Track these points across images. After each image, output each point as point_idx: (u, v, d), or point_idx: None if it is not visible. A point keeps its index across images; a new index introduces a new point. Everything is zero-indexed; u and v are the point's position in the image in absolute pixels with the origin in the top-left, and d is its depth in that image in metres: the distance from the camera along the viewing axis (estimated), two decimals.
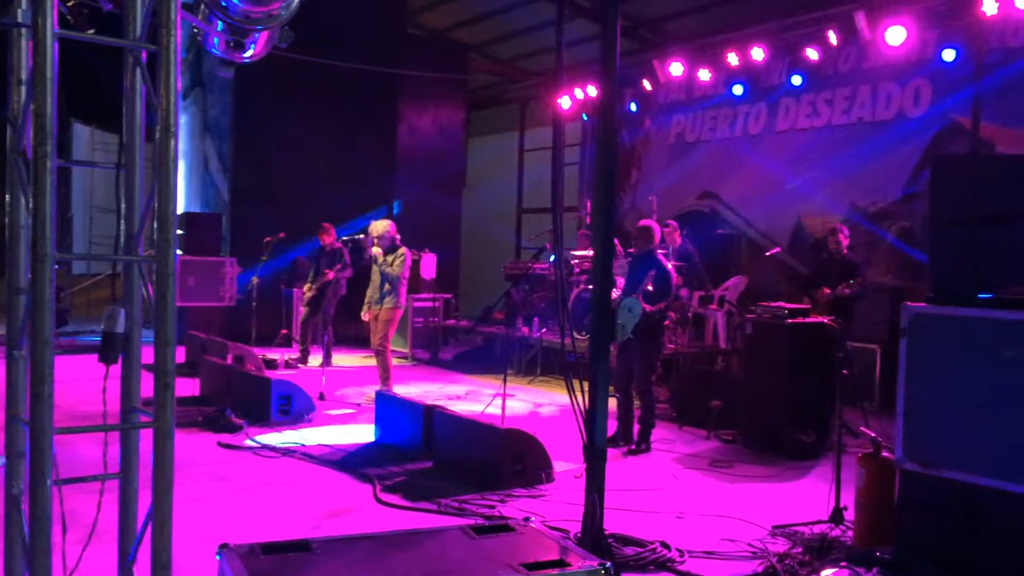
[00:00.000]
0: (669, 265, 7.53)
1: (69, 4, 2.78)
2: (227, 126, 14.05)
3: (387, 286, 8.91)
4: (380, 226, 9.09)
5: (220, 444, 7.02)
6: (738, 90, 12.02)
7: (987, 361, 4.36)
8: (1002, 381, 4.29)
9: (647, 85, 13.20)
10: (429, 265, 12.63)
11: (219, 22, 2.61)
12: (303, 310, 11.60)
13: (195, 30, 2.77)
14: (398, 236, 9.08)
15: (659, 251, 7.71)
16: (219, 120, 14.25)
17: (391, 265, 8.90)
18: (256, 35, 2.72)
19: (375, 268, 9.01)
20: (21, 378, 2.39)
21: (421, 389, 9.89)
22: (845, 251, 8.59)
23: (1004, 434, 4.25)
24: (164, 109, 2.24)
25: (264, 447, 6.96)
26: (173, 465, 2.31)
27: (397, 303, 8.98)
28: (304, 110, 13.59)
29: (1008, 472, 4.19)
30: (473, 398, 9.38)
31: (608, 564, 2.83)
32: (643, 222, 7.65)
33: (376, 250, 9.02)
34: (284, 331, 12.84)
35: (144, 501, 2.56)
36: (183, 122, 14.00)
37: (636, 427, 7.31)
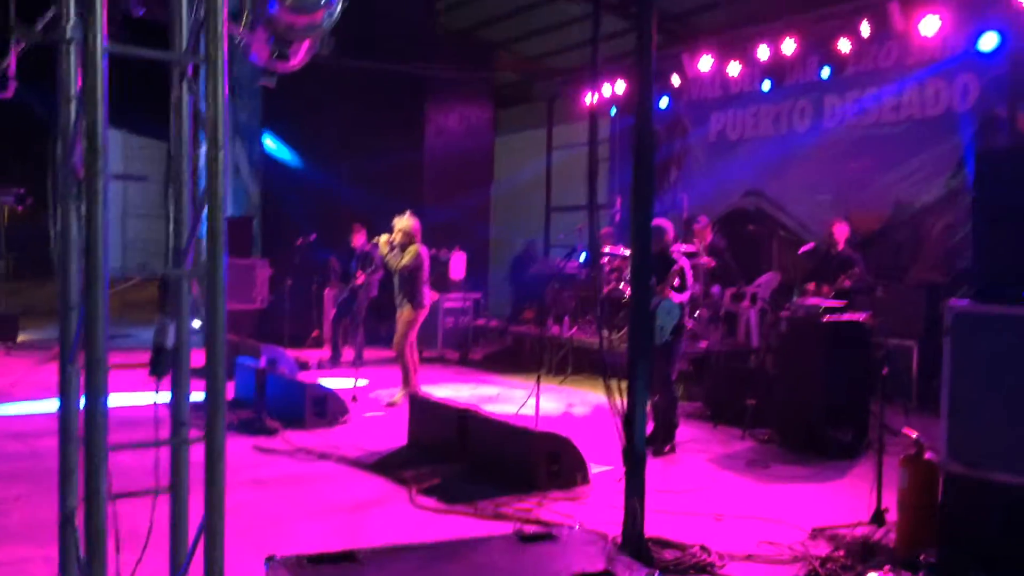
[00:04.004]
0: (685, 260, 7.49)
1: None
2: (257, 129, 14.14)
3: (405, 287, 8.88)
4: (403, 221, 9.04)
5: (256, 448, 7.06)
6: (766, 86, 11.88)
7: None
8: None
9: (676, 80, 13.09)
10: (458, 265, 12.62)
11: (262, 32, 2.61)
12: (334, 311, 11.65)
13: (237, 40, 2.78)
14: (418, 235, 9.03)
15: (674, 247, 7.66)
16: (249, 123, 14.36)
17: (397, 258, 8.87)
18: (298, 44, 2.73)
19: None
20: (74, 393, 2.41)
21: (452, 390, 9.89)
22: (841, 246, 8.65)
23: None
24: (212, 121, 2.24)
25: (300, 450, 7.00)
26: (224, 481, 2.32)
27: (416, 303, 8.95)
28: (332, 111, 13.64)
29: None
30: (505, 399, 9.36)
31: (656, 573, 2.80)
32: (654, 221, 7.55)
33: (383, 238, 8.99)
34: (316, 332, 12.91)
35: (194, 511, 2.57)
36: None
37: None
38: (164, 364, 2.36)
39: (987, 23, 9.33)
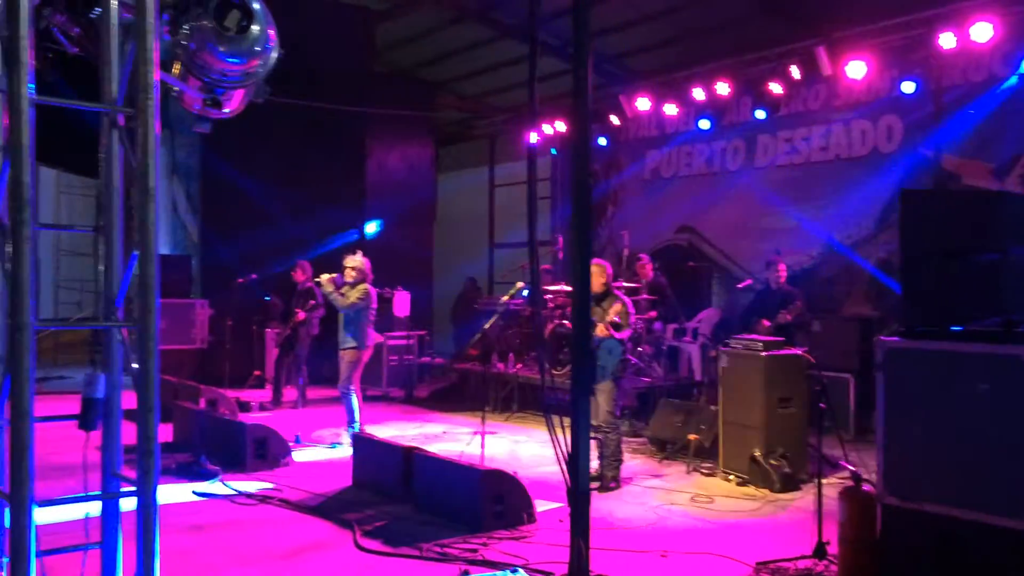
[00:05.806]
0: (627, 298, 7.57)
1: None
2: (196, 167, 13.95)
3: (350, 327, 8.79)
4: (354, 259, 8.97)
5: (195, 492, 6.90)
6: (705, 124, 12.16)
7: (961, 394, 4.41)
8: (977, 413, 4.34)
9: (615, 120, 13.33)
10: (402, 303, 12.56)
11: (195, 80, 2.60)
12: (276, 351, 11.47)
13: (172, 89, 2.76)
14: (370, 275, 8.99)
15: (616, 284, 7.77)
16: (187, 161, 14.15)
17: (344, 295, 8.79)
18: (232, 92, 2.72)
19: None
20: None
21: (397, 429, 9.79)
22: (783, 282, 8.88)
23: (981, 466, 4.29)
24: (143, 172, 2.21)
25: (240, 494, 6.85)
26: (158, 532, 2.26)
27: (361, 343, 8.86)
28: (273, 149, 13.52)
29: (987, 504, 4.23)
30: (450, 437, 9.30)
31: None
32: (595, 261, 7.63)
33: (325, 277, 8.90)
34: (257, 372, 12.70)
35: (125, 562, 2.50)
36: None
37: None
38: (93, 416, 2.30)
39: (909, 68, 9.73)
